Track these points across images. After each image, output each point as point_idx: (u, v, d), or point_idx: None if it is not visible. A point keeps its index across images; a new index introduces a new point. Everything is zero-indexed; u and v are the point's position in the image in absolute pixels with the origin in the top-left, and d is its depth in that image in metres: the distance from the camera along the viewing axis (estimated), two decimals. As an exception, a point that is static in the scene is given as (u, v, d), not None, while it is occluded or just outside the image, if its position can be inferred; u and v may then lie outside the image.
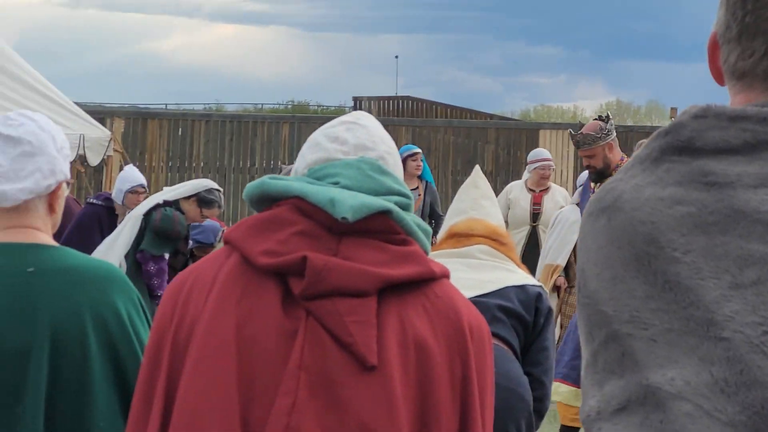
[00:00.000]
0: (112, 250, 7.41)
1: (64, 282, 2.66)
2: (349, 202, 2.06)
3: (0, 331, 2.59)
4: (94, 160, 11.81)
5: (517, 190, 10.60)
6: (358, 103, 30.45)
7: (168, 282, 7.45)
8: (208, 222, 8.20)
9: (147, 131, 18.18)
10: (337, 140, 2.26)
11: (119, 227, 7.62)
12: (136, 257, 7.47)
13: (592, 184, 7.71)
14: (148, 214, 7.50)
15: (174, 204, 7.64)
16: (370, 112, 28.25)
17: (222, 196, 7.97)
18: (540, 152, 11.08)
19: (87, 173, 14.28)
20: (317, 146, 2.27)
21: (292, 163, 2.78)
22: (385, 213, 2.10)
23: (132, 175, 8.46)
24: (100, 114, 16.82)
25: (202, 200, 7.77)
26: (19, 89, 10.83)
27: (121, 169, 10.16)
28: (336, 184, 2.15)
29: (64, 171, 2.76)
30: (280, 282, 2.07)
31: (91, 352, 2.64)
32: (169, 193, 7.84)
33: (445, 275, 2.18)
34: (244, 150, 18.82)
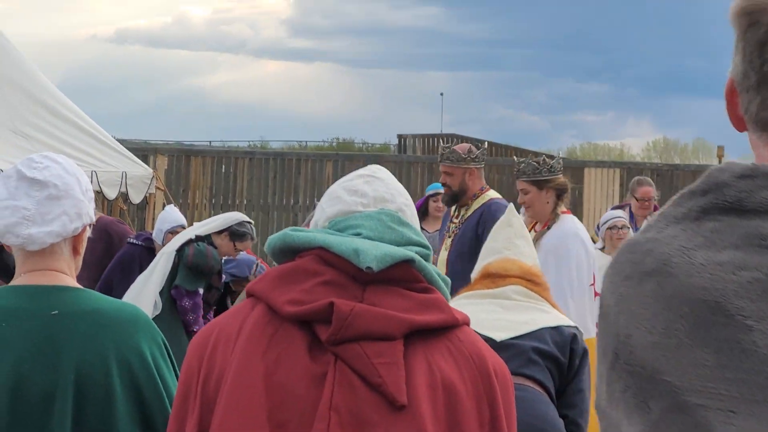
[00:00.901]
0: (147, 286, 7.45)
1: (89, 324, 2.65)
2: (373, 252, 2.11)
3: (25, 374, 2.59)
4: (136, 197, 11.86)
5: None
6: (402, 141, 30.44)
7: (203, 317, 7.50)
8: (242, 255, 8.28)
9: (190, 168, 18.22)
10: (357, 193, 2.31)
11: (152, 264, 7.65)
12: (170, 293, 7.51)
13: (451, 209, 7.40)
14: (180, 250, 7.56)
15: (206, 239, 7.70)
16: (414, 149, 28.28)
17: (253, 228, 8.05)
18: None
19: (130, 211, 14.33)
20: (337, 199, 2.32)
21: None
22: (408, 262, 2.15)
23: (172, 216, 8.45)
24: (144, 151, 16.92)
25: (234, 234, 7.84)
26: (61, 126, 10.90)
27: (163, 206, 10.18)
28: (358, 235, 2.20)
29: (90, 214, 2.77)
30: (307, 330, 2.10)
31: (115, 394, 2.63)
32: (200, 228, 7.90)
33: (466, 323, 2.23)
34: (287, 187, 18.84)
